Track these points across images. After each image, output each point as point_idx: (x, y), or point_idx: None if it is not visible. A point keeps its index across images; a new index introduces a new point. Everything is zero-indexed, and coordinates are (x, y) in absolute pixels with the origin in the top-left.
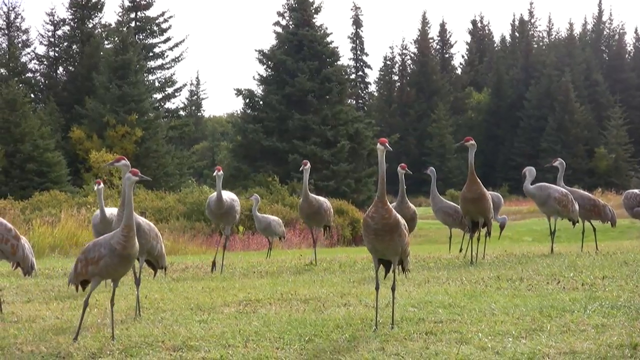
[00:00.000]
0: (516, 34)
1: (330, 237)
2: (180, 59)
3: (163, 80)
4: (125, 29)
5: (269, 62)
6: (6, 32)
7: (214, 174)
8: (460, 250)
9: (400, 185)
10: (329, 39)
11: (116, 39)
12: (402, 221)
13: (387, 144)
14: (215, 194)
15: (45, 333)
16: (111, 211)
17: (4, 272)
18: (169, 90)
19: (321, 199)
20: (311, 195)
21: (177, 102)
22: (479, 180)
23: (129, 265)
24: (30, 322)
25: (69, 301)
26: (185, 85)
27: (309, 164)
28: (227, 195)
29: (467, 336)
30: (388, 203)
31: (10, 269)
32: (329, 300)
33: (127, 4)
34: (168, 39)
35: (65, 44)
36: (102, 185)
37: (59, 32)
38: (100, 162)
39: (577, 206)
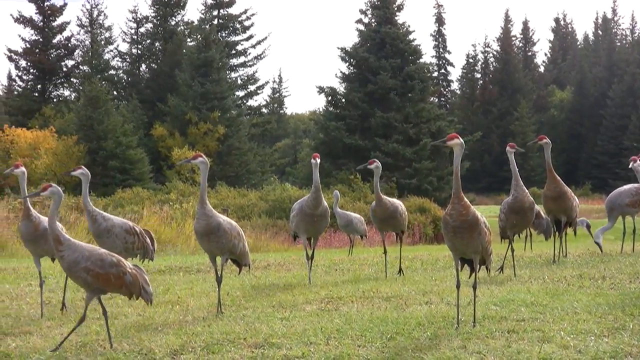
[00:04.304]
0: (599, 32)
1: (412, 236)
2: (262, 56)
3: (245, 78)
4: (207, 27)
5: (352, 60)
6: (89, 29)
7: (312, 161)
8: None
9: (512, 168)
10: (411, 37)
11: (199, 36)
12: (483, 219)
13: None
14: (304, 198)
15: (128, 330)
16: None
17: None
18: (251, 87)
19: (396, 201)
20: (385, 198)
21: (259, 100)
22: (558, 177)
23: (81, 282)
24: (112, 319)
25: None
26: (267, 82)
27: (377, 162)
28: None
29: (549, 335)
30: (465, 199)
31: None
32: (410, 298)
33: (209, 1)
34: (250, 37)
35: (148, 41)
36: (22, 167)
37: (142, 30)
38: (184, 159)
39: None
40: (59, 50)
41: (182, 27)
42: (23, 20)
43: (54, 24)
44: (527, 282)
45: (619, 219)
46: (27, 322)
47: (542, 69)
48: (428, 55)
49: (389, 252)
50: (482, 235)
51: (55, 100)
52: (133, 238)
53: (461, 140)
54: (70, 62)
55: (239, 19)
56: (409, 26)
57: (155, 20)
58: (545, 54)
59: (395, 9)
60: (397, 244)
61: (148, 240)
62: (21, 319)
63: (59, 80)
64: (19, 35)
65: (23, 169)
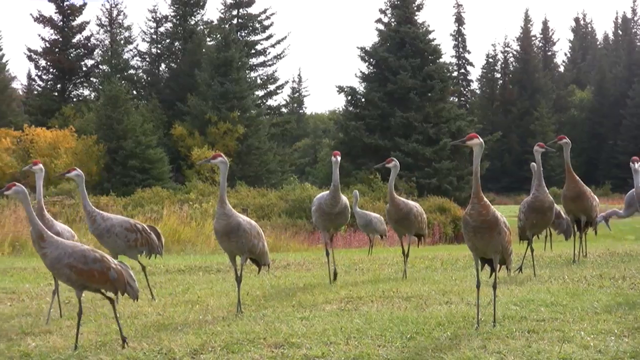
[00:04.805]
0: (619, 31)
1: (432, 235)
2: (282, 56)
3: (265, 78)
4: (227, 26)
5: (371, 60)
6: (109, 29)
7: (332, 159)
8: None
9: (537, 167)
10: (431, 37)
11: (218, 36)
12: (502, 219)
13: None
14: (324, 193)
15: (147, 329)
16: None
17: None
18: (271, 87)
19: (411, 203)
20: (398, 198)
21: (279, 99)
22: (577, 177)
23: (65, 279)
24: (132, 319)
25: (171, 298)
26: (287, 82)
27: (395, 161)
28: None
29: (569, 335)
30: (485, 199)
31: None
32: (430, 298)
33: (229, 1)
34: (270, 36)
35: (168, 40)
36: (40, 165)
37: (161, 29)
38: (204, 159)
39: None
40: (79, 50)
41: (202, 27)
42: (43, 19)
43: (74, 23)
44: (547, 282)
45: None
46: (47, 322)
47: (562, 69)
48: (448, 55)
49: (409, 252)
50: (502, 235)
51: (74, 99)
52: (135, 235)
53: (481, 140)
54: (89, 62)
55: (259, 18)
56: (428, 26)
57: (174, 20)
58: (565, 54)
59: (415, 8)
60: (416, 244)
61: (153, 236)
62: (41, 318)
63: (79, 80)
64: (39, 35)
65: (41, 166)
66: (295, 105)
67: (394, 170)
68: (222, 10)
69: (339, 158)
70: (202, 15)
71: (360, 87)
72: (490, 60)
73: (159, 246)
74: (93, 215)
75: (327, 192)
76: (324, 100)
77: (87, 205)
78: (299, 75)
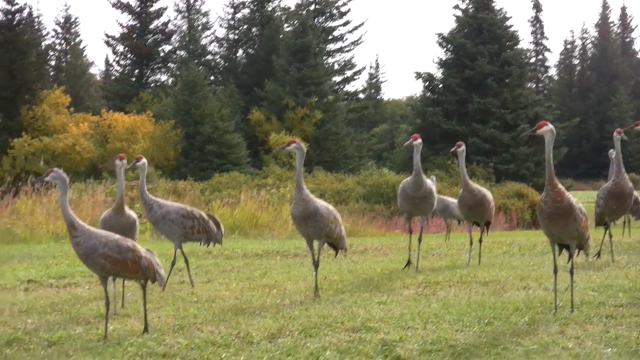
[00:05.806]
0: None
1: (510, 221)
2: (359, 42)
3: (342, 63)
4: (304, 12)
5: (449, 46)
6: (186, 14)
7: (410, 142)
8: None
9: (616, 154)
10: (508, 23)
11: (296, 21)
12: (578, 205)
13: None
14: (409, 178)
15: (225, 313)
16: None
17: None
18: (348, 73)
19: (483, 189)
20: (472, 183)
21: (356, 85)
22: None
23: (97, 269)
24: (210, 303)
25: (248, 282)
26: (364, 68)
27: (463, 146)
28: None
29: None
30: (559, 186)
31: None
32: (508, 283)
33: None
34: (347, 22)
35: (245, 26)
36: (125, 160)
37: (239, 15)
38: (280, 145)
39: None
40: (156, 36)
41: (279, 13)
42: (120, 5)
43: (151, 9)
44: (625, 268)
45: None
46: (125, 305)
47: None
48: (525, 41)
49: (485, 238)
50: (577, 221)
51: (152, 85)
52: (192, 222)
53: (551, 126)
54: (167, 47)
55: (336, 4)
56: (506, 12)
57: (252, 6)
58: None
59: None
60: (486, 232)
61: (212, 224)
62: (119, 302)
63: (156, 65)
64: (117, 21)
65: (125, 161)
66: (373, 91)
67: (460, 154)
68: None
69: (420, 141)
70: (280, 1)
71: (437, 73)
72: (569, 46)
73: (218, 234)
74: (150, 204)
75: (409, 178)
76: (401, 86)
77: (144, 194)
78: (376, 61)
